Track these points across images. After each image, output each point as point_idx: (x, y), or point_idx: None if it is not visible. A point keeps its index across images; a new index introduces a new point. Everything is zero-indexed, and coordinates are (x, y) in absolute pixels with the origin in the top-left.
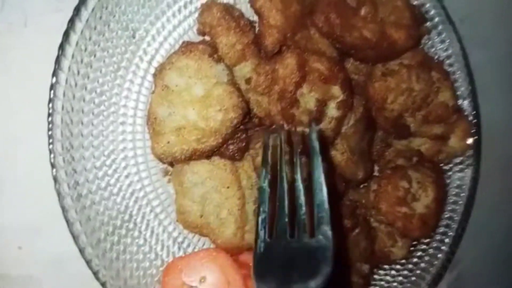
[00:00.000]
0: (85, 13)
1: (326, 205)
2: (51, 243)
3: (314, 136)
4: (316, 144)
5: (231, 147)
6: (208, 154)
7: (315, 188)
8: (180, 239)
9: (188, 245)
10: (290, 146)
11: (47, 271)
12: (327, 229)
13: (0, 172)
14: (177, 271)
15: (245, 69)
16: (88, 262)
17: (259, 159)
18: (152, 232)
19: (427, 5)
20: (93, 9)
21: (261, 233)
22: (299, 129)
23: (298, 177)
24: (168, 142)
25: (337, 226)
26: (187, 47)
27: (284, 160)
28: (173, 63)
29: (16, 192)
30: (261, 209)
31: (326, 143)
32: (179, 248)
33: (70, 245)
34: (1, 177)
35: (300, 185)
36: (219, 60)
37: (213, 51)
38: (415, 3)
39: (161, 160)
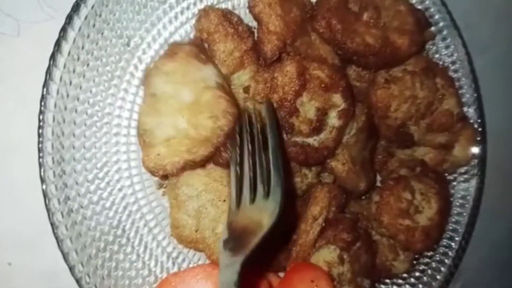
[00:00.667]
0: (77, 22)
1: (279, 171)
2: (42, 259)
3: (265, 111)
4: (268, 119)
5: (224, 154)
6: (201, 164)
7: (271, 157)
8: (174, 254)
9: (183, 260)
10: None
11: (38, 287)
12: (278, 191)
13: None
14: (171, 287)
15: (243, 77)
16: (78, 281)
17: None
18: (146, 247)
19: (432, 10)
20: (86, 17)
21: (232, 206)
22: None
23: (256, 150)
24: (158, 154)
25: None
26: (172, 49)
27: (247, 140)
28: (158, 67)
29: (7, 207)
30: (233, 189)
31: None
32: (173, 264)
33: (61, 261)
34: None
35: (257, 158)
36: (207, 61)
37: (200, 51)
38: (419, 7)
39: (152, 173)
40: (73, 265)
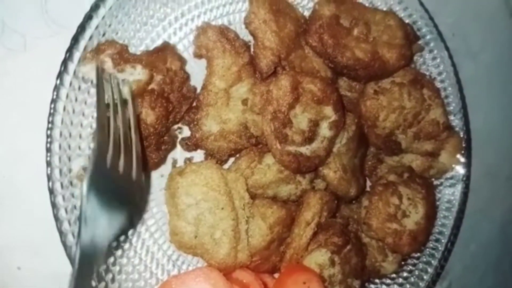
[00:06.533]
0: (82, 42)
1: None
2: (50, 263)
3: (119, 89)
4: (123, 95)
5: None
6: None
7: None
8: (174, 257)
9: (183, 263)
10: None
11: None
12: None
13: (0, 192)
14: None
15: (241, 90)
16: None
17: (253, 178)
18: (147, 251)
19: (419, 23)
20: (90, 37)
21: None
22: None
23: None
24: None
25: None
26: None
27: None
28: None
29: (15, 212)
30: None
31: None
32: (173, 266)
33: (69, 265)
34: (1, 198)
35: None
36: None
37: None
38: (407, 21)
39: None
40: None
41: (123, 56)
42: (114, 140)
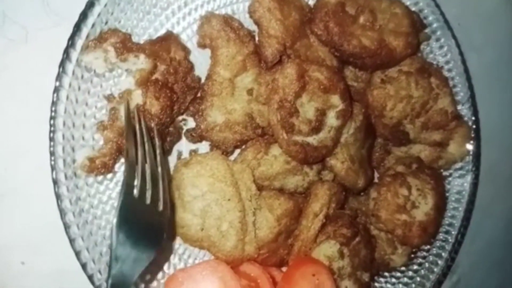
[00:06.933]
0: (84, 30)
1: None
2: (54, 258)
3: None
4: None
5: None
6: None
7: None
8: (180, 251)
9: (189, 256)
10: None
11: (50, 286)
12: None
13: (2, 187)
14: (178, 283)
15: (246, 80)
16: (90, 277)
17: (260, 169)
18: None
19: (425, 11)
20: (93, 25)
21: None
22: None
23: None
24: None
25: None
26: None
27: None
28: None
29: (19, 207)
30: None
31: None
32: (180, 260)
33: (73, 260)
34: (3, 193)
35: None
36: None
37: None
38: (413, 9)
39: None
40: (85, 263)
41: (126, 45)
42: (142, 172)
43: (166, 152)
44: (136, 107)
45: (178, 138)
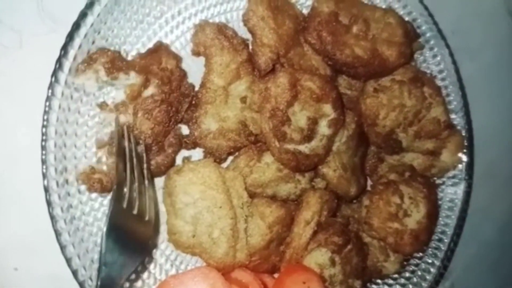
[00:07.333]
0: (77, 40)
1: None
2: (47, 264)
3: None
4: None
5: None
6: None
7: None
8: (172, 257)
9: (181, 262)
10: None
11: None
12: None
13: None
14: None
15: (240, 88)
16: (81, 284)
17: (252, 176)
18: None
19: (419, 20)
20: (85, 35)
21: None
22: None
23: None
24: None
25: None
26: None
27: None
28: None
29: (12, 214)
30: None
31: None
32: (171, 266)
33: (66, 266)
34: None
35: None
36: None
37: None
38: (407, 19)
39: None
40: (76, 269)
41: (115, 65)
42: (130, 185)
43: (169, 163)
44: (127, 124)
45: (180, 147)
